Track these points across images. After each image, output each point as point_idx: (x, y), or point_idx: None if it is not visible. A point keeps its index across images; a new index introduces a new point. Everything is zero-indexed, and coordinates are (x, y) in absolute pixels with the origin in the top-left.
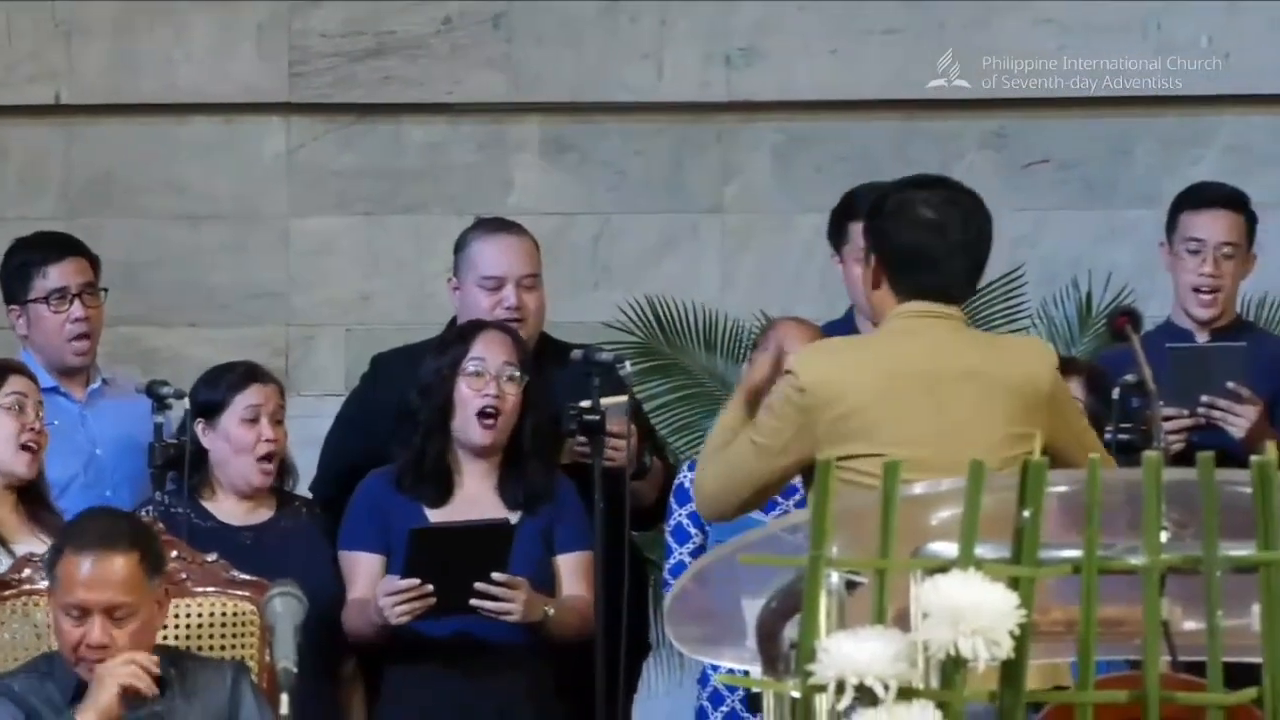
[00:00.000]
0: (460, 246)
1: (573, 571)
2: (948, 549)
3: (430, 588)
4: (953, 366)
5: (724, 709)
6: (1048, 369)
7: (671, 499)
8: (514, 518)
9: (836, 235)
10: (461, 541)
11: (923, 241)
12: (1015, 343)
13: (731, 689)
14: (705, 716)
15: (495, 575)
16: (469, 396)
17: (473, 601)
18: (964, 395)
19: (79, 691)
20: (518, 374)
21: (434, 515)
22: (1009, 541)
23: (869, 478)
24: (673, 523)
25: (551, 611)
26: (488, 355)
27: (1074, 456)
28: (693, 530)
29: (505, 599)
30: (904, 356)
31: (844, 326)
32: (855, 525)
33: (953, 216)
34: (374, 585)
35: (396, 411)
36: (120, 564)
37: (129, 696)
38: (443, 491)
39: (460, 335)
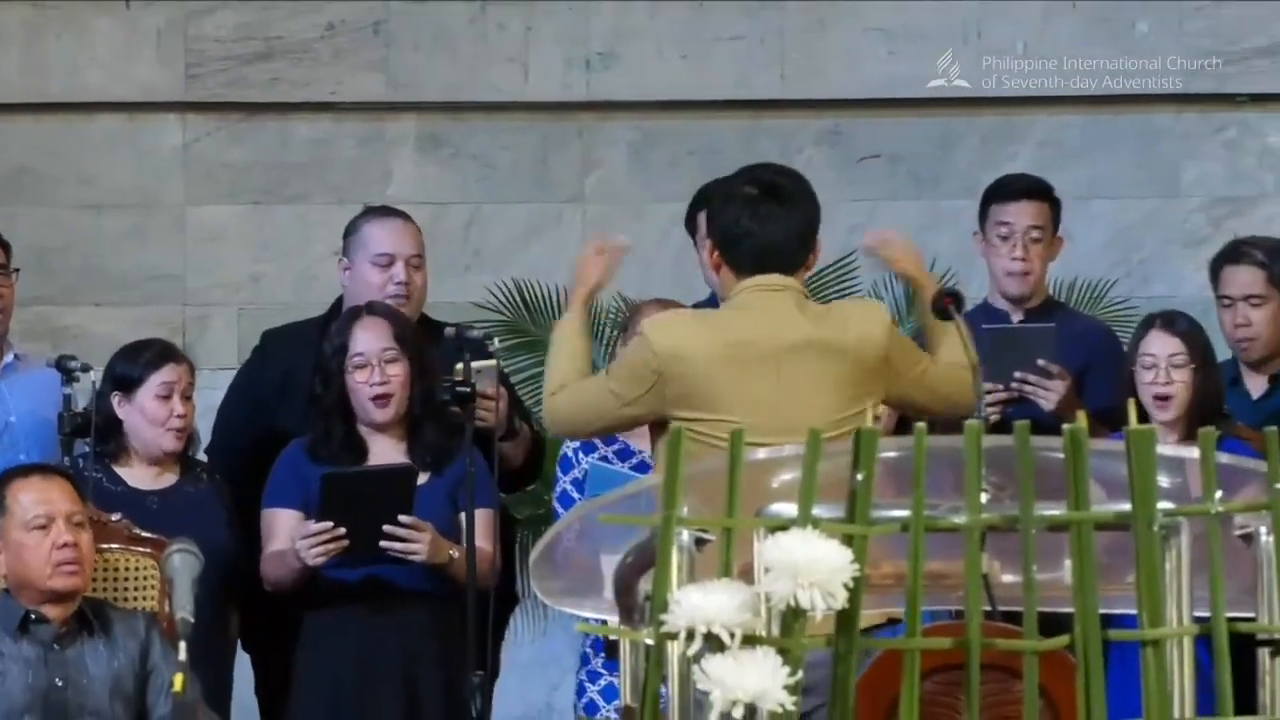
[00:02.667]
0: (352, 230)
1: (476, 526)
2: (788, 509)
3: (342, 531)
4: (790, 336)
5: (604, 654)
6: (881, 328)
7: (558, 468)
8: (424, 478)
9: (690, 224)
10: (368, 484)
11: (746, 222)
12: (851, 308)
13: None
14: (587, 661)
15: (402, 518)
16: (359, 386)
17: (382, 543)
18: (801, 363)
19: (25, 622)
20: (397, 354)
21: (339, 470)
22: (844, 503)
23: (714, 440)
24: (558, 489)
25: (456, 555)
26: (367, 347)
27: (920, 400)
28: (575, 495)
29: (411, 540)
30: (745, 329)
31: (710, 307)
32: (707, 487)
33: (772, 196)
34: (292, 537)
35: (284, 386)
36: (62, 481)
37: (63, 635)
38: (356, 460)
39: (341, 326)
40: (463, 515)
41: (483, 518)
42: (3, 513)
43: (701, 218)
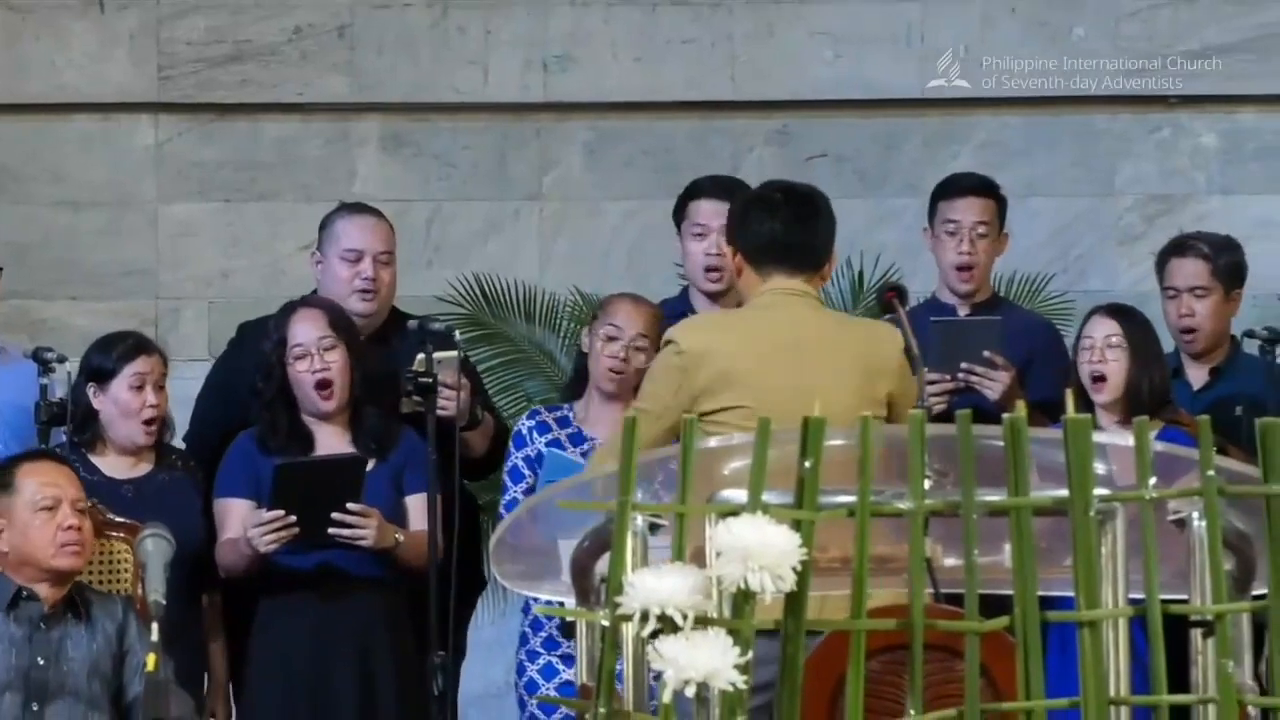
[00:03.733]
0: (326, 225)
1: (420, 510)
2: (739, 495)
3: (294, 519)
4: (812, 335)
5: (543, 634)
6: (895, 348)
7: (510, 444)
8: (369, 465)
9: (679, 214)
10: (320, 473)
11: (775, 226)
12: (868, 323)
13: (549, 616)
14: (526, 641)
15: (350, 505)
16: (301, 376)
17: (331, 530)
18: (822, 359)
19: (15, 599)
20: (334, 341)
21: (291, 460)
22: (792, 489)
23: (737, 428)
24: (509, 464)
25: (402, 538)
26: (305, 337)
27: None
28: (526, 472)
29: (359, 526)
30: (769, 325)
31: (680, 304)
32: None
33: (799, 203)
34: (245, 525)
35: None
36: (68, 469)
37: (49, 616)
38: (304, 449)
39: (278, 321)
40: (407, 500)
41: (425, 502)
42: (10, 491)
43: (691, 207)
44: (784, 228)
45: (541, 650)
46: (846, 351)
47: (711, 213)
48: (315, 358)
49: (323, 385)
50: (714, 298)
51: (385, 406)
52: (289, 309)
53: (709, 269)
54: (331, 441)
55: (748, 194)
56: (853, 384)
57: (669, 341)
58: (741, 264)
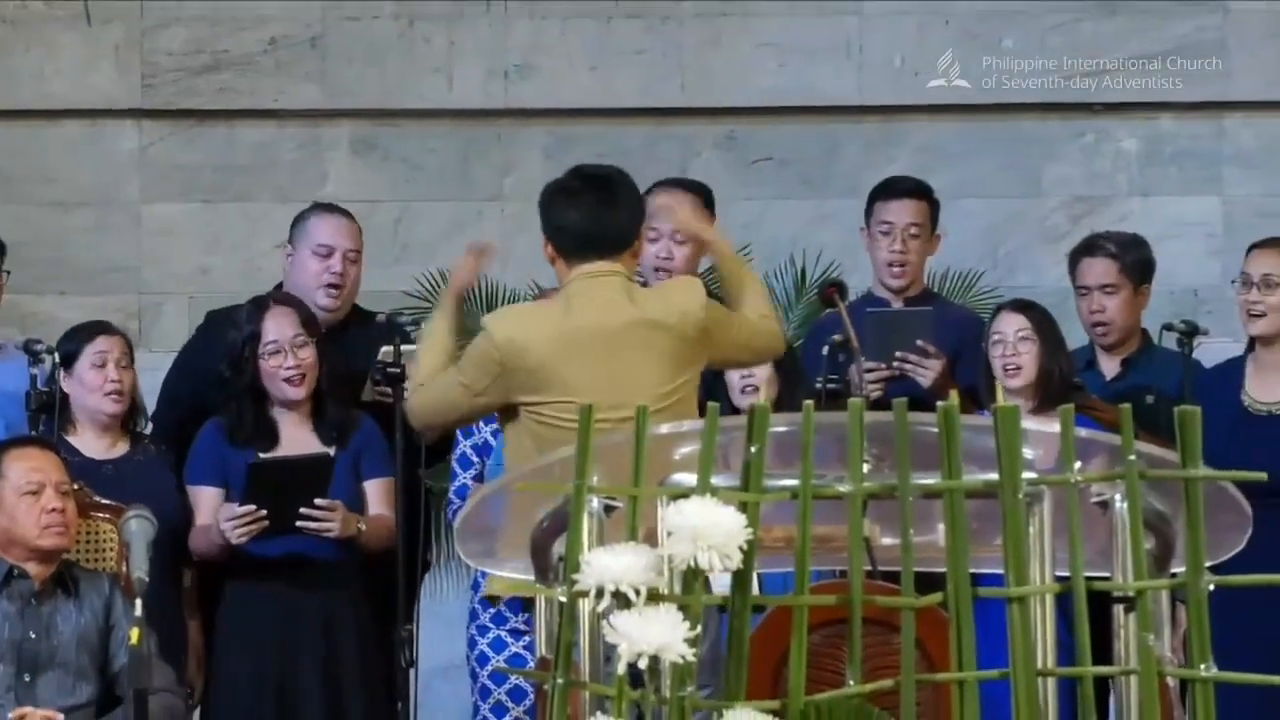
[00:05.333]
0: (299, 221)
1: (377, 495)
2: (689, 479)
3: (264, 512)
4: (618, 319)
5: (491, 610)
6: (699, 304)
7: (458, 433)
8: (331, 452)
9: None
10: (291, 471)
11: (571, 213)
12: (672, 287)
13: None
14: (476, 617)
15: (317, 500)
16: (274, 371)
17: (299, 524)
18: (629, 343)
19: (7, 577)
20: (305, 339)
21: (265, 457)
22: (739, 473)
23: (557, 420)
24: (458, 452)
25: (364, 527)
26: (279, 335)
27: (738, 358)
28: (474, 459)
29: (326, 519)
30: (579, 315)
31: None
32: (611, 461)
33: (595, 188)
34: (215, 514)
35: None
36: (52, 454)
37: (39, 592)
38: (269, 441)
39: (249, 316)
40: (365, 484)
41: (384, 486)
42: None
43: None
44: (584, 215)
45: (491, 625)
46: (655, 327)
47: None
48: (289, 354)
49: (295, 379)
50: None
51: (343, 396)
52: (261, 305)
53: (658, 269)
54: (296, 433)
55: (550, 185)
56: (662, 360)
57: (483, 327)
58: (553, 255)
